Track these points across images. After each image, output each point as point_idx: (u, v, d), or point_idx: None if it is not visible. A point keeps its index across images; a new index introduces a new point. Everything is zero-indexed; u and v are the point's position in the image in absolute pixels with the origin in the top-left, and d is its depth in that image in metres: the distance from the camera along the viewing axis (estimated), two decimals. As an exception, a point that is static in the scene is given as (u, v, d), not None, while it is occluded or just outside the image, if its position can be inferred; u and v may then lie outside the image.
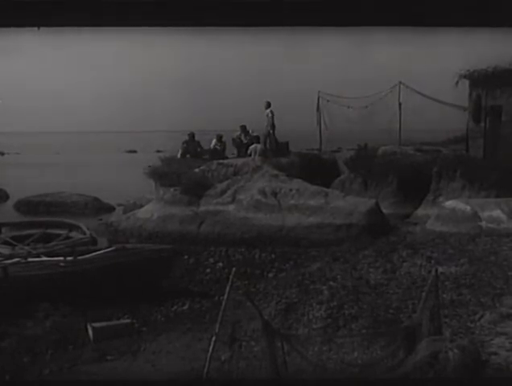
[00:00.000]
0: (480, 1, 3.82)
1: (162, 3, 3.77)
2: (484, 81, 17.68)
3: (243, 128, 19.11)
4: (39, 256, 11.32)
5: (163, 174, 16.93)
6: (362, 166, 17.72)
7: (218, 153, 18.44)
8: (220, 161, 17.50)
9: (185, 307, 10.31)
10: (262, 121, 18.80)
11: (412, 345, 6.06)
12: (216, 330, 5.82)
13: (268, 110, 18.75)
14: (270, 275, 12.01)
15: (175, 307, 10.29)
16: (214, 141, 18.96)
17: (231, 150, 19.14)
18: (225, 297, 5.96)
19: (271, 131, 18.72)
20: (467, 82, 18.37)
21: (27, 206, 22.74)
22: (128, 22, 3.94)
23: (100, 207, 22.78)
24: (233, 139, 19.18)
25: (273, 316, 8.57)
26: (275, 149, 18.65)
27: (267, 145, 18.60)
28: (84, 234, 13.14)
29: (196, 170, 17.00)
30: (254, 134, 18.92)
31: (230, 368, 6.48)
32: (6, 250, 11.75)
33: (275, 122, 18.76)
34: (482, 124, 17.92)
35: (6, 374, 7.58)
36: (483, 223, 12.98)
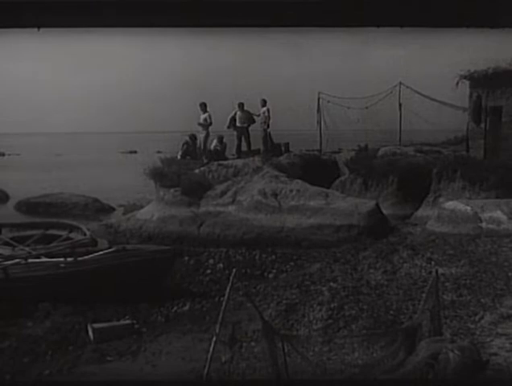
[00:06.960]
0: (480, 1, 3.82)
1: (163, 4, 3.77)
2: (484, 82, 17.69)
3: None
4: (39, 257, 11.32)
5: (164, 175, 16.91)
6: (362, 167, 17.72)
7: (218, 155, 18.42)
8: (221, 162, 17.49)
9: (185, 308, 10.30)
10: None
11: (412, 346, 6.06)
12: (217, 331, 5.81)
13: (265, 108, 18.66)
14: (271, 276, 12.00)
15: (176, 308, 10.27)
16: (215, 142, 18.93)
17: (231, 151, 19.12)
18: (226, 297, 5.96)
19: (268, 131, 18.65)
20: (467, 83, 18.39)
21: (28, 207, 22.73)
22: (128, 23, 3.95)
23: (100, 208, 22.75)
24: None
25: (273, 317, 8.57)
26: (271, 149, 18.59)
27: (268, 146, 18.57)
28: (85, 235, 13.12)
29: (197, 171, 16.99)
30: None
31: (231, 369, 6.48)
32: (6, 251, 11.73)
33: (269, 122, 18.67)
34: (482, 124, 17.92)
35: (6, 374, 7.58)
36: (483, 224, 12.97)
